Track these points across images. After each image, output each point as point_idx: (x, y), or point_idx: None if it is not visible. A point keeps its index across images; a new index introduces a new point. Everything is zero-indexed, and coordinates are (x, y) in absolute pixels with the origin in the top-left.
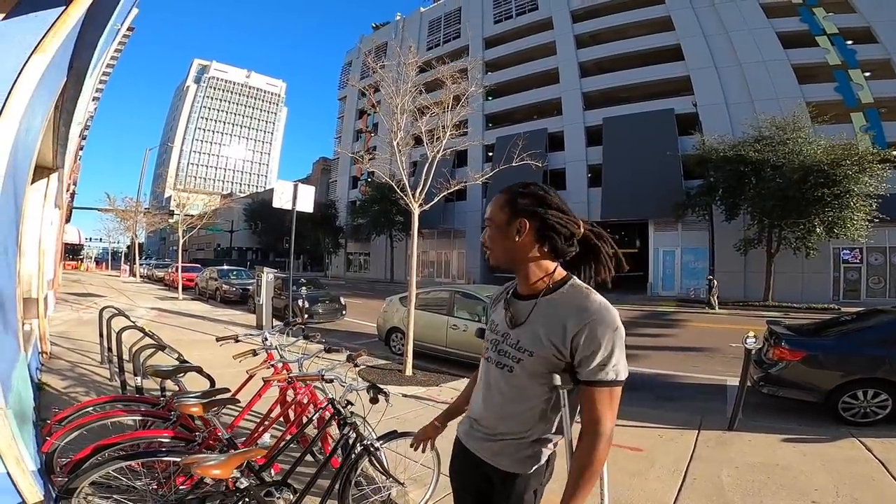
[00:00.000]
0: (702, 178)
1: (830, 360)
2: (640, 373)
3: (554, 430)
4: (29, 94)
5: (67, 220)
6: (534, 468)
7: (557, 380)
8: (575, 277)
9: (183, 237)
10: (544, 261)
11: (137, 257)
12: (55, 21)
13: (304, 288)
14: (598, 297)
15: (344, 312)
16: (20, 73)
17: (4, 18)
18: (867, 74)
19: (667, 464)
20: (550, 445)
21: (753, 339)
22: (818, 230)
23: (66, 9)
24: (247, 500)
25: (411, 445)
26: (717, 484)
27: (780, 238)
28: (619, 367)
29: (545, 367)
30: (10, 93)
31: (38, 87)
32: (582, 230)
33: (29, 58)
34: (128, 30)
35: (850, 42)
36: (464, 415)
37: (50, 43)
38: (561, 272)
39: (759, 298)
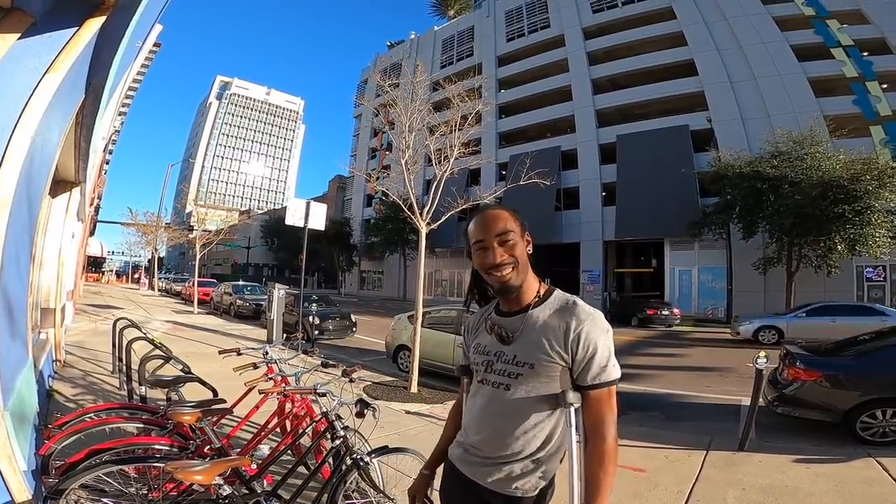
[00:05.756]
0: (718, 196)
1: (848, 379)
2: (651, 392)
3: (556, 448)
4: (42, 111)
5: (91, 234)
6: (538, 490)
7: (570, 397)
8: (557, 289)
9: (201, 252)
10: (532, 274)
11: (157, 271)
12: (68, 41)
13: (314, 304)
14: (584, 304)
15: (354, 329)
16: (34, 91)
17: (20, 38)
18: (884, 86)
19: (670, 485)
20: (555, 465)
21: (765, 360)
22: (839, 247)
23: (78, 29)
24: None
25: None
26: None
27: (800, 256)
28: (616, 366)
29: (546, 377)
30: (23, 110)
31: (53, 104)
32: None
33: (42, 76)
34: (154, 45)
35: (865, 53)
36: (456, 438)
37: (63, 62)
38: (544, 285)
39: None
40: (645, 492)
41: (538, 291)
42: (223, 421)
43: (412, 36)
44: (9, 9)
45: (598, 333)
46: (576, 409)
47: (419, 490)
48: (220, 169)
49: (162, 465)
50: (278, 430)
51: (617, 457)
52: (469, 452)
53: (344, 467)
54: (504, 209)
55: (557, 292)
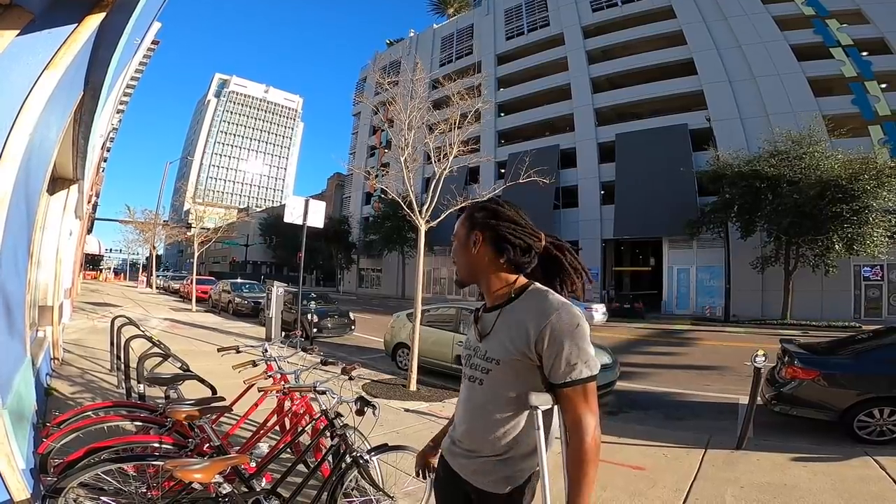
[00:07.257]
0: (716, 195)
1: (845, 378)
2: (649, 391)
3: (531, 449)
4: (41, 108)
5: (89, 231)
6: (509, 489)
7: (533, 399)
8: (536, 283)
9: (199, 250)
10: (503, 272)
11: (155, 269)
12: (66, 38)
13: (313, 302)
14: (556, 298)
15: (353, 327)
16: (32, 88)
17: (19, 35)
18: (883, 86)
19: (669, 483)
20: (530, 465)
21: (763, 358)
22: (837, 247)
23: (77, 26)
24: None
25: (416, 474)
26: None
27: (797, 255)
28: (589, 363)
29: (514, 375)
30: (21, 107)
31: (51, 102)
32: (542, 242)
33: (41, 73)
34: (152, 43)
35: (864, 53)
36: (449, 431)
37: (62, 59)
38: (523, 280)
39: (778, 317)
40: (644, 490)
41: (512, 287)
42: (222, 419)
43: (411, 34)
44: (8, 5)
45: (565, 329)
46: (545, 411)
47: (426, 459)
48: (218, 167)
49: (161, 463)
50: (277, 428)
51: (597, 457)
52: (455, 444)
53: (343, 465)
54: (464, 213)
55: (533, 288)
